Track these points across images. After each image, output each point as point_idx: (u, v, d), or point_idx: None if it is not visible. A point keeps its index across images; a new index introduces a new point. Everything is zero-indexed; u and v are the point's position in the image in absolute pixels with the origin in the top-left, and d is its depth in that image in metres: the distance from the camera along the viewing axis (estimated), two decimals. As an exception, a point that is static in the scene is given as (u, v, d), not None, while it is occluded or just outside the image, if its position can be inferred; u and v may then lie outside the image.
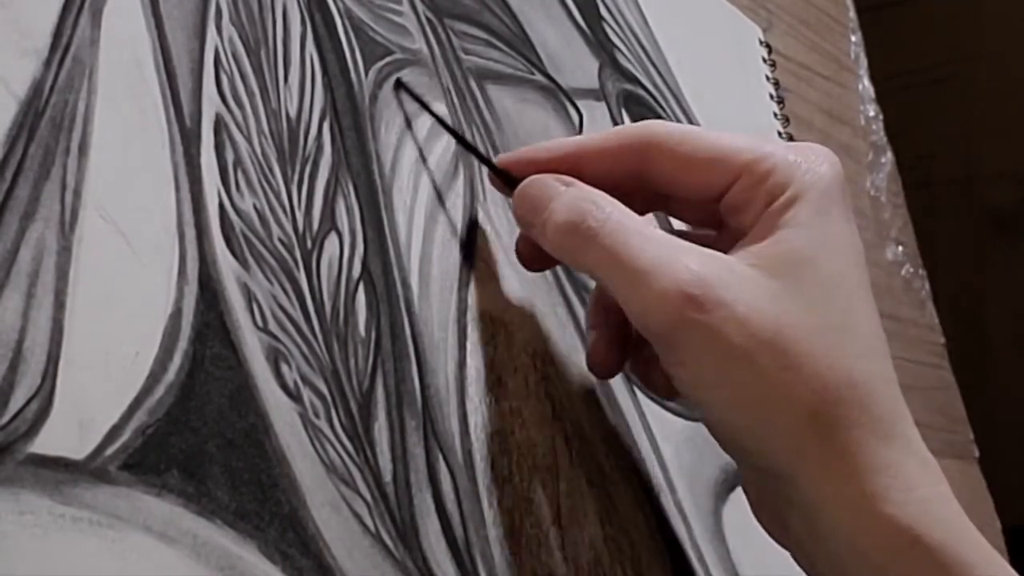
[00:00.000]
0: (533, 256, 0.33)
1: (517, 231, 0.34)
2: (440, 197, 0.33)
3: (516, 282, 0.34)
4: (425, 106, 0.34)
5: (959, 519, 0.26)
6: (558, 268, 0.37)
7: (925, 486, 0.26)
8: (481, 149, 0.36)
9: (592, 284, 0.37)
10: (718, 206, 0.30)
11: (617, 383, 0.37)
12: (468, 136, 0.35)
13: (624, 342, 0.32)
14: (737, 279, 0.27)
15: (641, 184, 0.31)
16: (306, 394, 0.26)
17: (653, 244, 0.27)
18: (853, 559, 0.26)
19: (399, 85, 0.33)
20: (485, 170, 0.34)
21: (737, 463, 0.30)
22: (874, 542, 0.25)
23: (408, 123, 0.34)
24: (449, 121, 0.35)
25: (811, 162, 0.29)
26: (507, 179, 0.32)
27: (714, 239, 0.31)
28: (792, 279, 0.27)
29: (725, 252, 0.28)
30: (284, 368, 0.26)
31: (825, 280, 0.27)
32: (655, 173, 0.30)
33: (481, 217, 0.34)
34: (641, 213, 0.29)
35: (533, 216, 0.30)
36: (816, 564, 0.27)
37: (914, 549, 0.25)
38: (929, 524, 0.25)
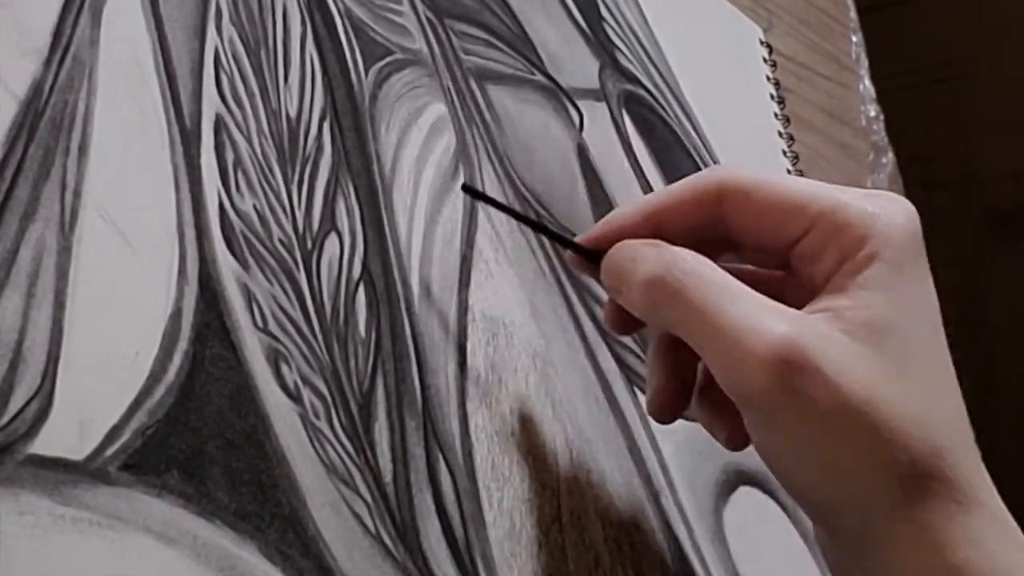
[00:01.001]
0: (621, 321, 0.32)
1: (518, 231, 0.34)
2: (440, 197, 0.33)
3: (517, 282, 0.34)
4: (492, 201, 0.33)
5: None
6: (558, 268, 0.37)
7: (1008, 554, 0.26)
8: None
9: (594, 286, 0.37)
10: (790, 253, 0.30)
11: (618, 384, 0.37)
12: (468, 136, 0.35)
13: (688, 390, 0.32)
14: (829, 344, 0.27)
15: (714, 232, 0.31)
16: (306, 395, 0.26)
17: (741, 302, 0.27)
18: None
19: (466, 189, 0.33)
20: (490, 171, 0.34)
21: (813, 522, 0.30)
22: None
23: (408, 123, 0.34)
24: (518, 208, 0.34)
25: (888, 213, 0.29)
26: (588, 255, 0.31)
27: (781, 281, 0.31)
28: (878, 346, 0.27)
29: (796, 300, 0.28)
30: (284, 368, 0.26)
31: (911, 349, 0.27)
32: (730, 221, 0.30)
33: (482, 218, 0.34)
34: (713, 259, 0.29)
35: (620, 282, 0.30)
36: None
37: None
38: None
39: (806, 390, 0.26)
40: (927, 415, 0.27)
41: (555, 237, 0.33)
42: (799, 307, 0.28)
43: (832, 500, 0.27)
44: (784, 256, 0.30)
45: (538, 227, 0.34)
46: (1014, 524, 0.27)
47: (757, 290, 0.28)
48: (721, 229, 0.31)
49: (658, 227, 0.30)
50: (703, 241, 0.30)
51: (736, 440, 0.31)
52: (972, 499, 0.26)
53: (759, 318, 0.27)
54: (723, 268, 0.29)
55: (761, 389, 0.26)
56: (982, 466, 0.28)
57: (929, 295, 0.29)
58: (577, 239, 0.32)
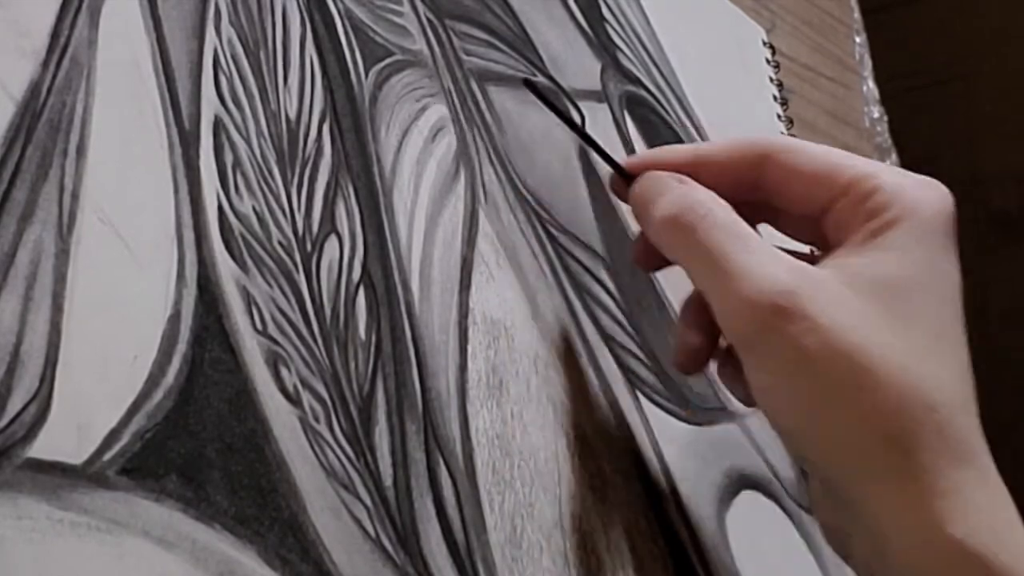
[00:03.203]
0: (646, 255, 0.33)
1: (519, 232, 0.34)
2: (441, 199, 0.33)
3: (518, 285, 0.34)
4: (553, 106, 0.33)
5: None
6: (559, 269, 0.36)
7: (994, 512, 0.26)
8: (492, 148, 0.35)
9: (595, 289, 0.37)
10: (823, 222, 0.30)
11: (620, 387, 0.36)
12: (469, 138, 0.35)
13: (712, 344, 0.33)
14: (826, 294, 0.27)
15: (753, 195, 0.31)
16: (306, 398, 0.26)
17: (749, 249, 0.28)
18: None
19: (529, 85, 0.33)
20: (491, 173, 0.34)
21: (805, 474, 0.30)
22: (940, 567, 0.25)
23: (409, 125, 0.33)
24: (579, 122, 0.35)
25: (920, 188, 0.29)
26: (624, 175, 0.32)
27: (818, 259, 0.31)
28: (882, 304, 0.27)
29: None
30: (284, 372, 0.26)
31: (915, 309, 0.27)
32: (766, 183, 0.31)
33: (482, 220, 0.34)
34: (751, 223, 0.30)
35: (643, 210, 0.31)
36: None
37: (980, 574, 0.25)
38: (997, 550, 0.25)
39: (794, 334, 0.26)
40: (923, 368, 0.26)
41: (604, 155, 0.34)
42: None
43: (817, 449, 0.27)
44: (818, 227, 0.31)
45: (591, 143, 0.34)
46: (1004, 488, 0.27)
47: None
48: (760, 194, 0.31)
49: (699, 171, 0.31)
50: (742, 203, 0.31)
51: (751, 398, 0.30)
52: (962, 456, 0.26)
53: (763, 265, 0.27)
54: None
55: (750, 329, 0.27)
56: (979, 430, 0.27)
57: (950, 268, 0.29)
58: (624, 161, 0.33)
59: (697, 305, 0.32)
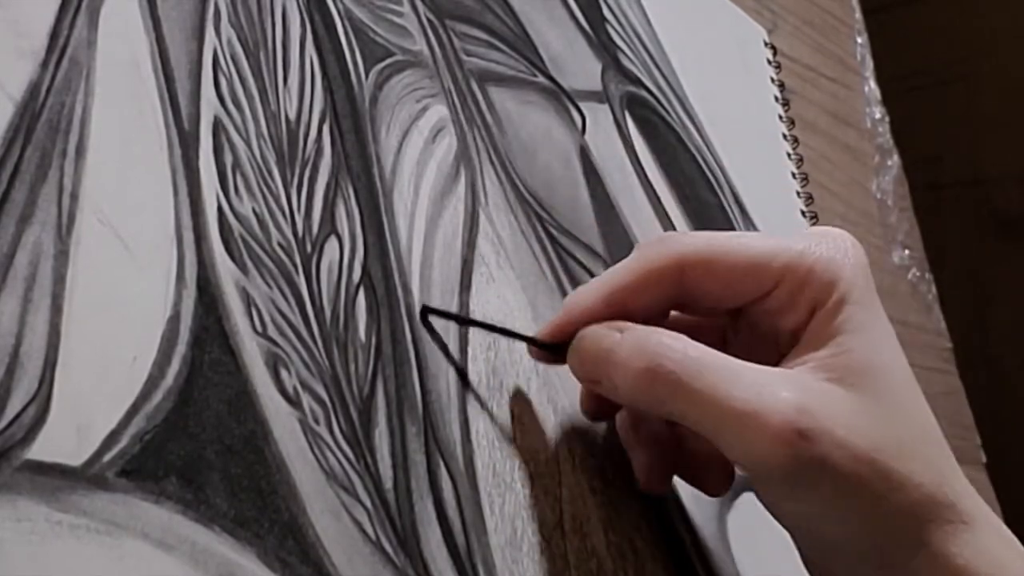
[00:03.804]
0: (600, 408, 0.33)
1: (519, 234, 0.34)
2: (441, 200, 0.33)
3: (518, 286, 0.34)
4: (455, 317, 0.31)
5: None
6: (559, 271, 0.36)
7: (1013, 560, 0.29)
8: (487, 159, 0.35)
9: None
10: (749, 311, 0.31)
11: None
12: (469, 139, 0.35)
13: (671, 455, 0.33)
14: (826, 398, 0.28)
15: (673, 306, 0.31)
16: (306, 400, 0.26)
17: (741, 379, 0.28)
18: None
19: (425, 314, 0.30)
20: (491, 174, 0.34)
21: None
22: None
23: (409, 125, 0.33)
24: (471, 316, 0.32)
25: (845, 255, 0.30)
26: (552, 348, 0.31)
27: (722, 330, 0.32)
28: (865, 390, 0.28)
29: (743, 348, 0.29)
30: (283, 373, 0.26)
31: (892, 385, 0.29)
32: (693, 290, 0.30)
33: (483, 221, 0.34)
34: (662, 323, 0.30)
35: (596, 370, 0.30)
36: None
37: None
38: (998, 573, 0.28)
39: (822, 453, 0.27)
40: (924, 449, 0.28)
41: (514, 335, 0.32)
42: (749, 354, 0.29)
43: (855, 549, 0.28)
44: (743, 316, 0.31)
45: (495, 329, 0.32)
46: (1009, 532, 0.29)
47: (702, 341, 0.29)
48: (683, 299, 0.31)
49: (621, 308, 0.30)
50: (663, 313, 0.31)
51: (721, 490, 0.33)
52: (973, 517, 0.28)
53: (765, 393, 0.27)
54: (670, 325, 0.30)
55: (781, 463, 0.27)
56: (968, 483, 0.29)
57: (887, 323, 0.30)
58: (538, 333, 0.31)
59: (635, 425, 0.33)
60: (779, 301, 0.30)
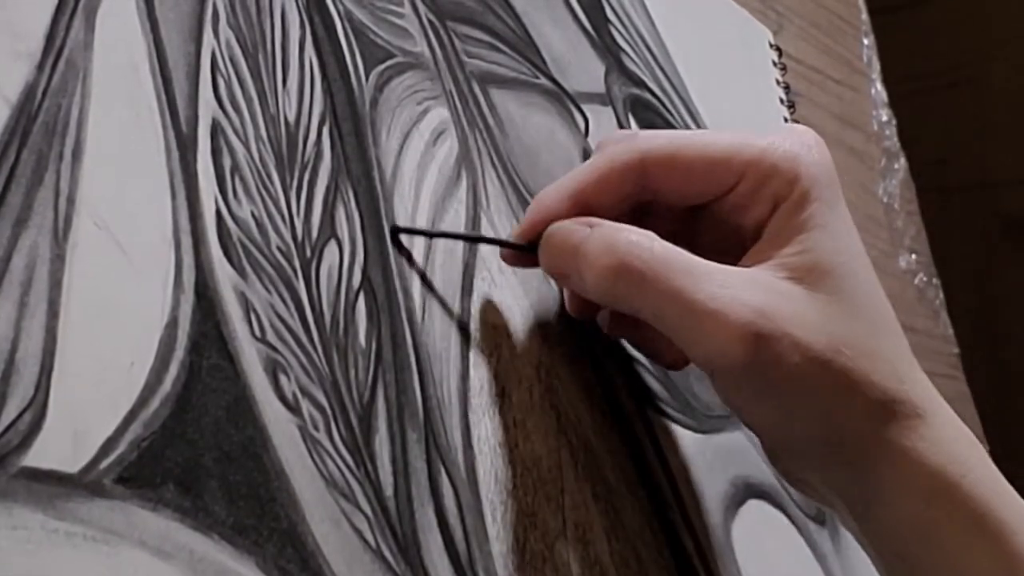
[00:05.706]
0: (585, 306, 0.33)
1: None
2: (442, 204, 0.33)
3: (520, 291, 0.34)
4: (423, 232, 0.31)
5: (997, 477, 0.29)
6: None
7: (963, 449, 0.29)
8: (485, 154, 0.35)
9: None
10: (714, 205, 0.31)
11: (624, 394, 0.36)
12: (471, 141, 0.35)
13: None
14: (787, 300, 0.28)
15: (640, 199, 0.31)
16: (305, 406, 0.26)
17: (704, 280, 0.28)
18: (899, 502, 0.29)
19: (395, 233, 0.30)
20: (493, 176, 0.34)
21: (784, 458, 0.31)
22: (920, 485, 0.28)
23: (410, 128, 0.33)
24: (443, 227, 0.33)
25: (809, 151, 0.30)
26: (523, 249, 0.31)
27: (691, 231, 0.32)
28: (826, 289, 0.29)
29: (712, 248, 0.29)
30: (283, 379, 0.25)
31: (855, 285, 0.29)
32: (656, 187, 0.31)
33: (484, 224, 0.34)
34: (633, 221, 0.30)
35: (565, 265, 0.30)
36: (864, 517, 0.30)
37: (950, 493, 0.28)
38: (963, 472, 0.28)
39: (779, 354, 0.27)
40: (883, 347, 0.29)
41: (483, 240, 0.32)
42: (714, 251, 0.29)
43: (815, 448, 0.29)
44: (706, 213, 0.31)
45: (464, 237, 0.32)
46: (963, 425, 0.30)
47: (668, 239, 0.29)
48: (647, 195, 0.31)
49: (585, 206, 0.31)
50: (629, 209, 0.31)
51: (678, 364, 0.34)
52: (928, 411, 0.29)
53: (724, 297, 0.28)
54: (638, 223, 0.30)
55: (740, 363, 0.27)
56: (924, 376, 0.30)
57: (850, 221, 0.31)
58: (509, 235, 0.32)
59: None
60: (742, 196, 0.30)
